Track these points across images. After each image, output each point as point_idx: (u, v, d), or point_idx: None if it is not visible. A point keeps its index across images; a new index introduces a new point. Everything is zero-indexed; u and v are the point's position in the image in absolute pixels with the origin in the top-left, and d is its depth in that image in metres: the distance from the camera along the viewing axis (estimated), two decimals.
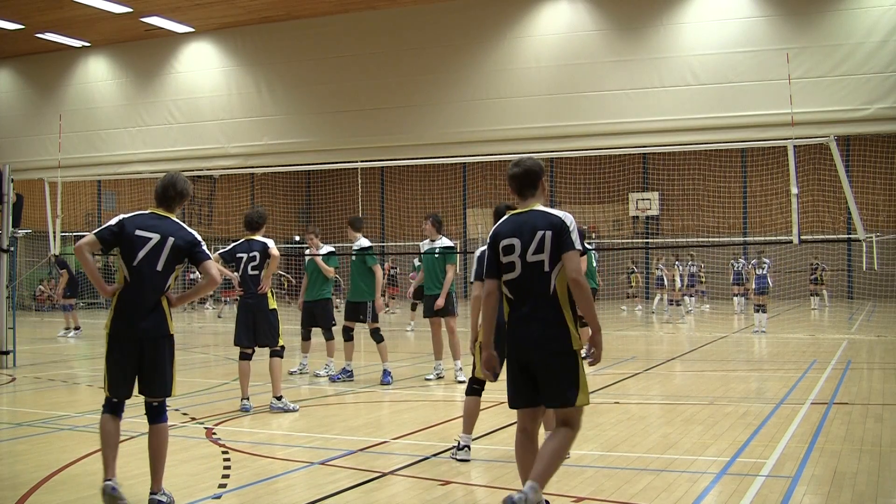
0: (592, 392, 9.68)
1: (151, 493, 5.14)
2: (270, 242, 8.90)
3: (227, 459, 6.56)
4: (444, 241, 11.16)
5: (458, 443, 6.51)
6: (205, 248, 5.41)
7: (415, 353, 14.54)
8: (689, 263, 25.45)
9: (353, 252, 11.01)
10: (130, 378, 5.26)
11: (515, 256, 4.69)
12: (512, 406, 4.82)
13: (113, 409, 5.28)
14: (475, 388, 6.61)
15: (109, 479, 5.11)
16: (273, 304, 8.82)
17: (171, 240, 5.28)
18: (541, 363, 4.61)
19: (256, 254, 8.77)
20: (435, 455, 6.62)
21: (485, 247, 6.65)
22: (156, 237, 5.28)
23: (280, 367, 8.78)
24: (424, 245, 11.36)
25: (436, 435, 7.42)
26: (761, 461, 6.32)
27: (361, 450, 6.91)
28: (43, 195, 16.61)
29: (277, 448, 7.10)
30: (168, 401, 8.36)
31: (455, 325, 11.26)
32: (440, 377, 11.08)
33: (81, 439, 7.34)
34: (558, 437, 4.58)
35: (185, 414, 8.57)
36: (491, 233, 4.86)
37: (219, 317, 25.40)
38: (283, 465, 6.42)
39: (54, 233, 16.31)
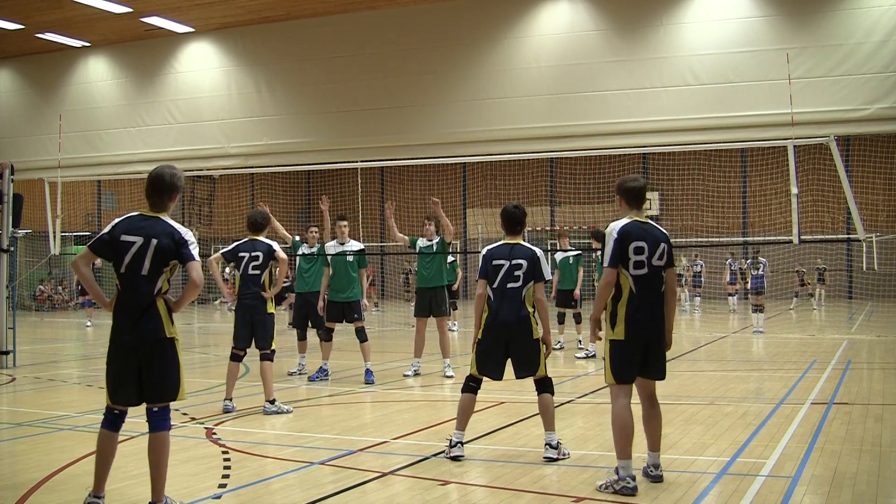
0: (592, 392, 9.71)
1: None
2: (276, 245, 8.81)
3: (227, 459, 6.56)
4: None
5: (451, 440, 6.52)
6: (193, 248, 5.09)
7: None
8: (695, 263, 25.66)
9: (351, 252, 10.97)
10: (130, 384, 5.04)
11: (644, 257, 5.70)
12: (626, 381, 5.73)
13: (112, 422, 5.09)
14: (472, 385, 6.62)
15: (97, 497, 5.04)
16: (271, 308, 8.74)
17: (154, 241, 5.03)
18: (655, 346, 5.76)
19: (260, 254, 8.70)
20: (435, 455, 6.61)
21: (491, 245, 6.69)
22: (139, 240, 5.04)
23: (271, 370, 8.69)
24: (421, 243, 11.47)
25: (436, 435, 7.42)
26: (761, 461, 6.32)
27: (361, 450, 6.91)
28: (43, 195, 16.61)
29: (277, 448, 7.10)
30: None
31: (446, 326, 11.45)
32: (417, 374, 11.24)
33: (81, 439, 7.34)
34: (658, 411, 5.86)
35: (185, 414, 8.56)
36: (620, 230, 5.72)
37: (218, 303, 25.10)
38: (283, 465, 6.42)
39: (54, 233, 16.31)
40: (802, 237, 13.02)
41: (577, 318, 14.06)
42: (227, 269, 28.82)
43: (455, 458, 6.39)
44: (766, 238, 28.39)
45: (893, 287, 25.58)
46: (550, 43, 15.20)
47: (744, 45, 13.89)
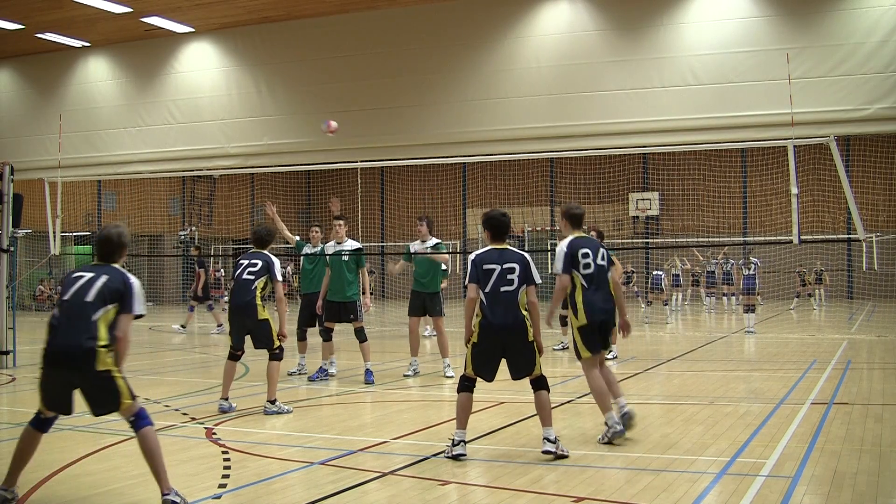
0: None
1: (163, 495, 5.13)
2: (277, 265, 8.71)
3: (227, 459, 6.56)
4: (434, 241, 11.31)
5: (453, 440, 6.53)
6: (137, 301, 5.35)
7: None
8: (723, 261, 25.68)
9: (347, 252, 10.94)
10: (65, 398, 5.26)
11: (591, 260, 7.26)
12: (596, 352, 7.23)
13: (40, 424, 5.32)
14: (467, 384, 6.66)
15: (4, 489, 5.23)
16: (264, 314, 8.57)
17: (105, 276, 5.34)
18: (608, 326, 7.32)
19: (259, 262, 8.63)
20: (435, 455, 6.61)
21: (480, 251, 6.82)
22: (90, 274, 5.37)
23: (278, 370, 8.63)
24: (414, 245, 11.40)
25: (436, 435, 7.42)
26: (761, 461, 6.32)
27: (361, 450, 6.91)
28: (43, 195, 16.60)
29: (277, 448, 7.10)
30: (168, 400, 8.35)
31: (443, 325, 11.40)
32: (416, 373, 11.26)
33: (81, 439, 7.35)
34: (608, 370, 7.48)
35: (185, 414, 8.57)
36: (568, 244, 7.29)
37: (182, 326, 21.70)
38: (282, 465, 6.42)
39: (54, 233, 16.31)
40: (802, 237, 13.01)
41: None
42: (223, 271, 28.83)
43: (457, 458, 6.40)
44: (766, 238, 28.39)
45: (893, 287, 25.57)
46: (550, 43, 15.18)
47: (744, 45, 13.87)
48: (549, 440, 6.47)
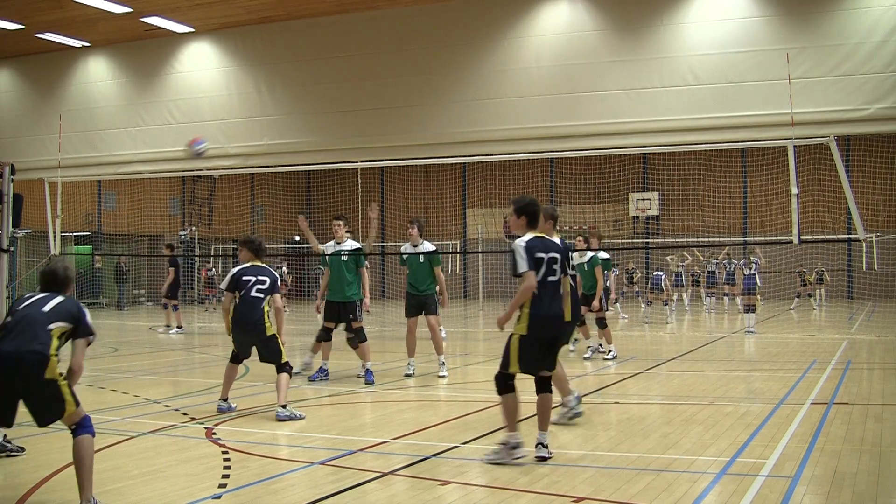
0: (593, 392, 9.71)
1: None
2: (278, 278, 8.68)
3: (227, 459, 6.56)
4: (428, 246, 11.17)
5: (511, 443, 6.32)
6: (90, 323, 5.54)
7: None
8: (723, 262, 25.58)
9: (347, 252, 10.91)
10: (7, 408, 5.32)
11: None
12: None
13: None
14: (510, 384, 6.45)
15: None
16: (271, 330, 8.52)
17: (60, 297, 5.55)
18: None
19: (267, 279, 8.54)
20: (435, 455, 6.61)
21: (526, 238, 6.50)
22: (44, 294, 5.59)
23: (287, 381, 8.53)
24: (405, 248, 11.33)
25: (436, 435, 7.42)
26: (761, 461, 6.32)
27: (361, 450, 6.91)
28: (43, 195, 16.60)
29: (277, 448, 7.11)
30: (168, 400, 8.36)
31: (436, 323, 11.35)
32: (413, 374, 11.21)
33: None
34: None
35: (185, 414, 8.57)
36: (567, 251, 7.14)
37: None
38: (283, 465, 6.43)
39: (54, 233, 16.31)
40: (802, 237, 13.00)
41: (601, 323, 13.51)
42: (214, 270, 28.77)
43: (518, 461, 6.27)
44: (766, 238, 28.39)
45: (893, 287, 25.58)
46: (550, 43, 15.19)
47: (744, 45, 13.88)
48: (543, 445, 6.43)
